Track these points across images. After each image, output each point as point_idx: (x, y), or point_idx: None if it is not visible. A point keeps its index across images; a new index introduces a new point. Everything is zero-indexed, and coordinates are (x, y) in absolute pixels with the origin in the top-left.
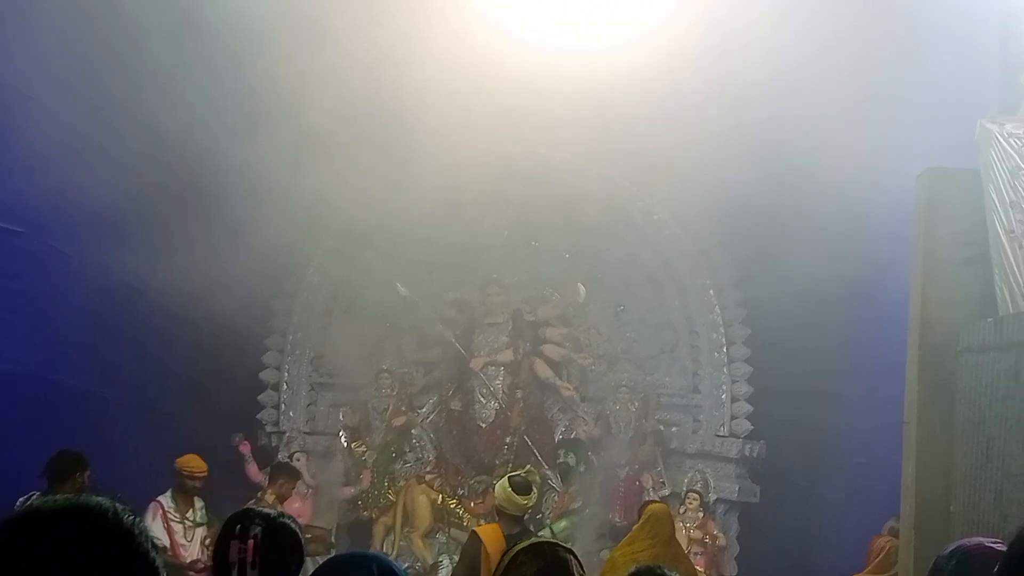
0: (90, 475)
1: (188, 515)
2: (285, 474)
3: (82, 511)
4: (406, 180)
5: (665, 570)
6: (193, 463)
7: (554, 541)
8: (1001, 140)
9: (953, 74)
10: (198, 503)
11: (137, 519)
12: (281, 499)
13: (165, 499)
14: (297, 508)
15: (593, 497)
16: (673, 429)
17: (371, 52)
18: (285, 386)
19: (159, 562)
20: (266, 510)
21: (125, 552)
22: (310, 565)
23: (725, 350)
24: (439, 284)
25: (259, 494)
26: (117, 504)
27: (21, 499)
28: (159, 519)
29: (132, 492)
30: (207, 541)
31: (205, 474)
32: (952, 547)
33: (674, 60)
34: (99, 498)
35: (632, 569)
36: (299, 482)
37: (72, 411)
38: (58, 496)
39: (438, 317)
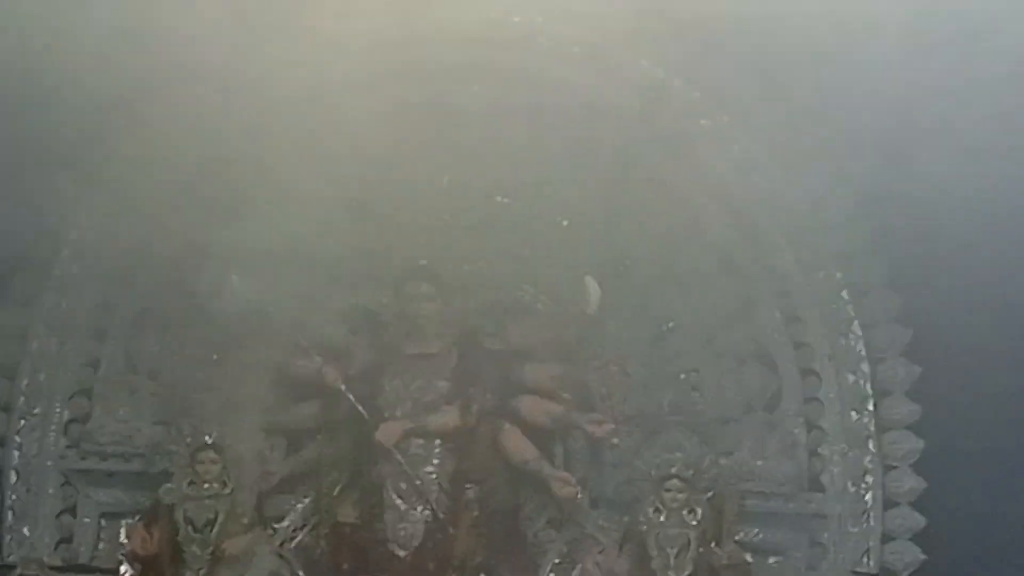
0: None
1: None
2: None
3: None
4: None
5: None
6: None
7: None
8: None
9: None
10: None
11: None
12: None
13: None
14: None
15: None
16: (771, 561)
17: None
18: (15, 478)
19: None
20: None
21: None
22: None
23: (871, 406)
24: (319, 277)
25: None
26: None
27: None
28: None
29: None
30: None
31: None
32: None
33: None
34: None
35: None
36: None
37: None
38: None
39: (314, 343)
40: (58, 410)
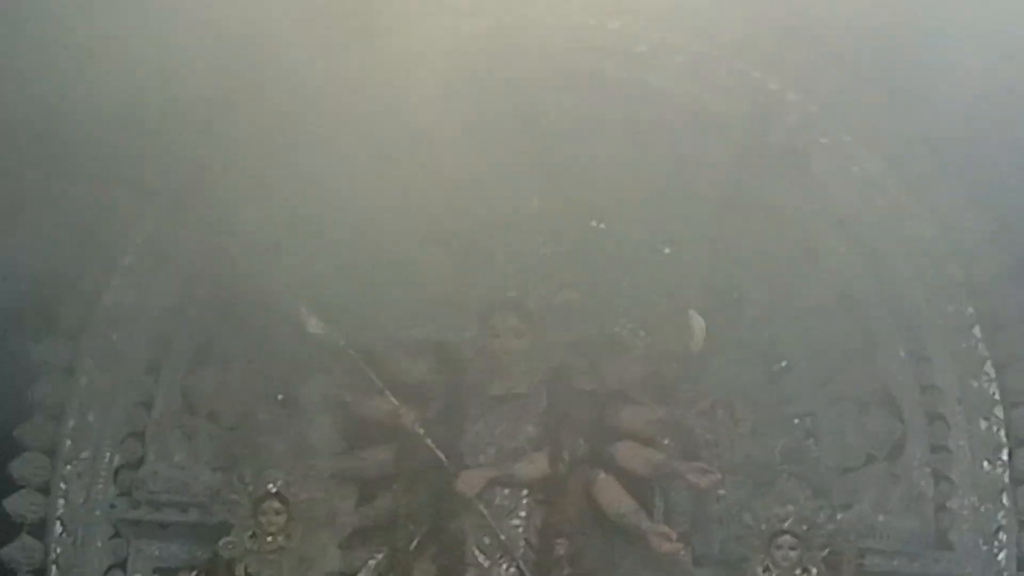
0: None
1: None
2: None
3: None
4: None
5: None
6: None
7: None
8: None
9: None
10: None
11: None
12: None
13: None
14: None
15: None
16: None
17: None
18: (60, 529)
19: None
20: None
21: None
22: None
23: (1006, 455)
24: (395, 309)
25: None
26: None
27: None
28: None
29: None
30: None
31: None
32: None
33: None
34: None
35: None
36: None
37: None
38: None
39: (389, 381)
40: (108, 454)
